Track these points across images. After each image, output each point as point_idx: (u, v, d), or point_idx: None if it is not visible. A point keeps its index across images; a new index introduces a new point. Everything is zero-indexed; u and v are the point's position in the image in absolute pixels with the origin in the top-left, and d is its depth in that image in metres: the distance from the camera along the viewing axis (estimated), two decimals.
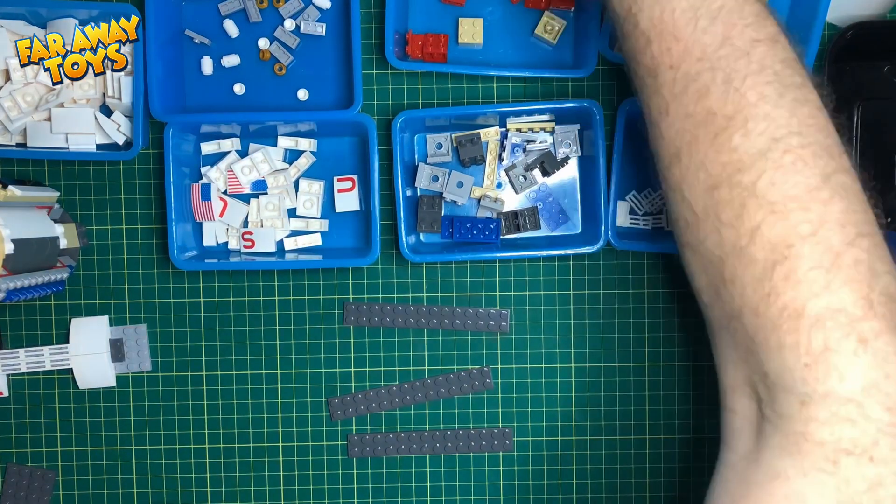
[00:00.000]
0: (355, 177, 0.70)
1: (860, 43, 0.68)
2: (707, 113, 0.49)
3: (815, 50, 0.67)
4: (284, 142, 0.70)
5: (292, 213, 0.71)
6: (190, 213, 0.69)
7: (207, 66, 0.71)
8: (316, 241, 0.71)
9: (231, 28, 0.70)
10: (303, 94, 0.71)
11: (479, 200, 0.70)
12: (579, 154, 0.70)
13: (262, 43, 0.70)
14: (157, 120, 0.68)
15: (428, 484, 0.72)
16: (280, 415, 0.72)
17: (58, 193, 0.70)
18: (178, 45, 0.70)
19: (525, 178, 0.70)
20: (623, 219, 0.71)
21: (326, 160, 0.71)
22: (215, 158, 0.70)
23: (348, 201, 0.70)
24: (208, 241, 0.70)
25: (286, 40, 0.70)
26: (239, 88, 0.71)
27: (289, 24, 0.70)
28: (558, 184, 0.71)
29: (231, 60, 0.70)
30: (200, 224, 0.70)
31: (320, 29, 0.70)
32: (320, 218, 0.71)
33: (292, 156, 0.71)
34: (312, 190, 0.70)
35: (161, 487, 0.72)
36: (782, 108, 0.48)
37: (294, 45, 0.70)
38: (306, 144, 0.70)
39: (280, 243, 0.71)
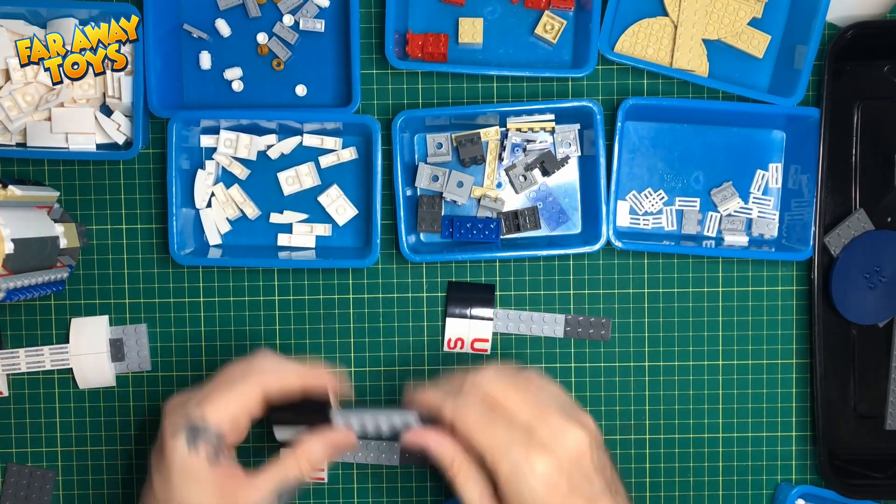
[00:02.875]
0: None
1: (860, 43, 0.68)
2: None
3: (816, 50, 0.67)
4: (310, 139, 0.70)
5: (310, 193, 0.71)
6: (191, 201, 0.70)
7: (206, 60, 0.71)
8: (310, 241, 0.71)
9: (223, 28, 0.70)
10: (301, 90, 0.71)
11: (479, 200, 0.70)
12: (579, 154, 0.70)
13: (261, 37, 0.70)
14: (155, 115, 0.68)
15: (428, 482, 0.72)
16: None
17: (58, 193, 0.70)
18: (176, 39, 0.71)
19: (525, 178, 0.70)
20: (623, 219, 0.71)
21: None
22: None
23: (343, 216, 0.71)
24: (210, 233, 0.70)
25: (285, 36, 0.70)
26: (238, 85, 0.71)
27: (287, 19, 0.70)
28: (558, 184, 0.71)
29: (234, 73, 0.70)
30: (200, 221, 0.70)
31: (319, 25, 0.70)
32: (327, 223, 0.71)
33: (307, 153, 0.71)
34: (337, 195, 0.71)
35: None
36: None
37: (293, 41, 0.70)
38: (332, 143, 0.70)
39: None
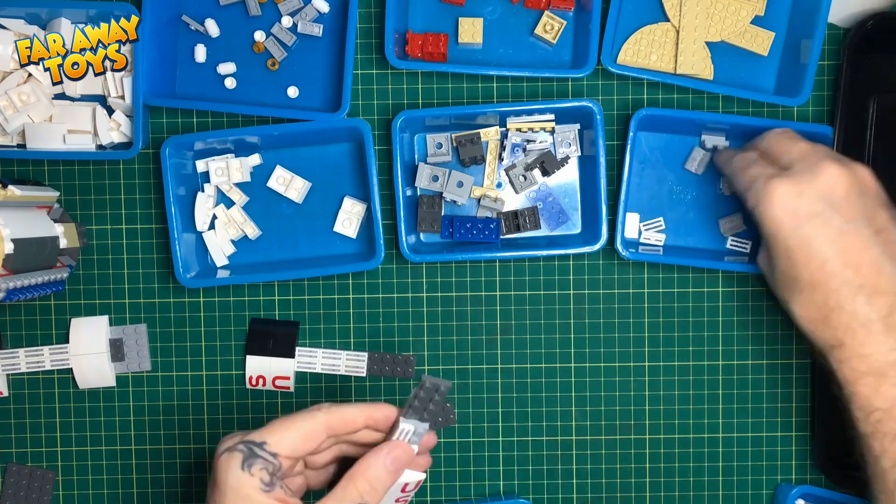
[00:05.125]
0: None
1: (879, 35, 0.67)
2: None
3: (821, 44, 0.67)
4: (280, 172, 0.70)
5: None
6: (192, 224, 0.70)
7: (201, 53, 0.71)
8: (351, 232, 0.72)
9: (212, 28, 0.70)
10: (293, 92, 0.71)
11: (479, 200, 0.70)
12: (579, 154, 0.70)
13: (259, 35, 0.70)
14: (147, 104, 0.68)
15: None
16: (280, 415, 0.72)
17: (58, 193, 0.70)
18: (173, 29, 0.71)
19: (525, 178, 0.70)
20: (633, 231, 0.71)
21: (326, 167, 0.71)
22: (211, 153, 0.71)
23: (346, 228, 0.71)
24: (215, 255, 0.70)
25: (282, 37, 0.70)
26: (230, 82, 0.71)
27: (286, 21, 0.70)
28: (558, 184, 0.71)
29: (227, 68, 0.70)
30: (202, 242, 0.71)
31: (317, 30, 0.70)
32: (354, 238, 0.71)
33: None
34: (354, 210, 0.70)
35: (161, 487, 0.72)
36: None
37: (290, 43, 0.70)
38: (299, 184, 0.71)
39: None
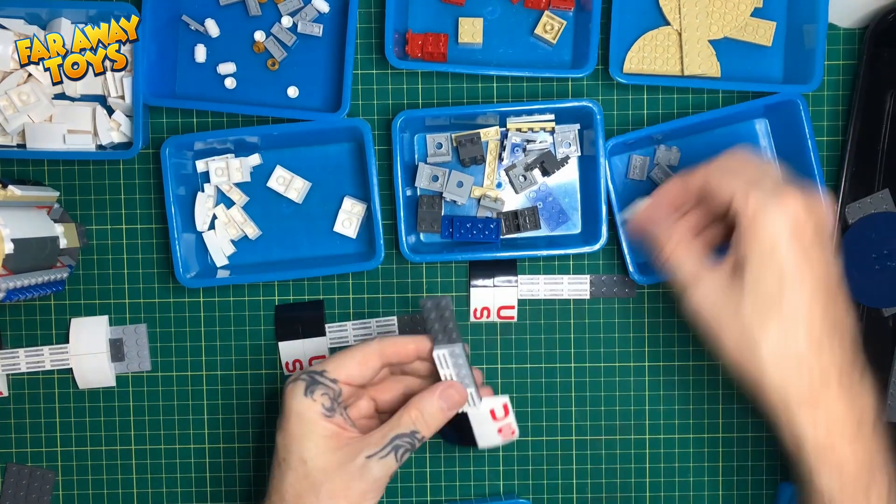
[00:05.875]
0: None
1: None
2: None
3: (825, 27, 0.66)
4: (280, 172, 0.70)
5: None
6: (192, 224, 0.70)
7: (201, 53, 0.71)
8: (351, 232, 0.72)
9: (212, 28, 0.70)
10: (293, 92, 0.71)
11: (479, 200, 0.70)
12: (579, 154, 0.70)
13: (259, 35, 0.70)
14: (147, 104, 0.68)
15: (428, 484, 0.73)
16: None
17: (58, 193, 0.70)
18: (173, 29, 0.71)
19: (525, 178, 0.70)
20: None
21: (326, 167, 0.71)
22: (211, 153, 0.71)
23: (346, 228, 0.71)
24: (215, 255, 0.70)
25: (282, 37, 0.70)
26: (230, 82, 0.71)
27: (286, 21, 0.70)
28: (558, 184, 0.71)
29: (227, 68, 0.70)
30: (202, 242, 0.71)
31: (317, 30, 0.70)
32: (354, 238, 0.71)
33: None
34: (354, 210, 0.70)
35: (161, 487, 0.72)
36: None
37: (290, 43, 0.70)
38: (299, 183, 0.71)
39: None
